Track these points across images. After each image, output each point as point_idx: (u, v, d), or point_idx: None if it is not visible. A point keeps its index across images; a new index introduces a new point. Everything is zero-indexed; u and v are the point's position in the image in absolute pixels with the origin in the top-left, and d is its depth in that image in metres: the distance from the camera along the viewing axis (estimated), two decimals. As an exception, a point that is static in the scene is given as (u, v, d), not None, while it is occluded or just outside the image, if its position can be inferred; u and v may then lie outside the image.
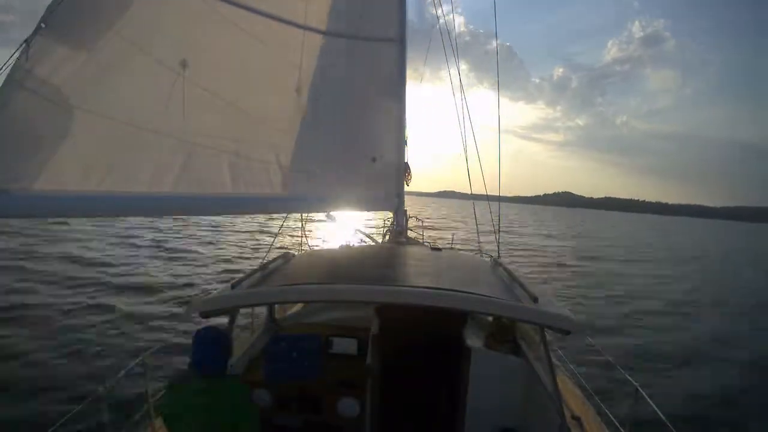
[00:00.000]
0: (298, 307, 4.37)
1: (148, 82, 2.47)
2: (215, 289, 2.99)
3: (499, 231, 5.61)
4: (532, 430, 2.85)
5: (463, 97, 5.63)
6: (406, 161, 4.95)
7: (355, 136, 4.21)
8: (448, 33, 5.49)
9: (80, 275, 12.03)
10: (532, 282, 2.84)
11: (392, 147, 4.70)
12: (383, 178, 4.60)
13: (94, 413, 2.60)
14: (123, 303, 9.75)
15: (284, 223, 5.80)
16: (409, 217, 6.06)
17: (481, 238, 6.58)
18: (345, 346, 3.48)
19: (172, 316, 8.99)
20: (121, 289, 10.93)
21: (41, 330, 7.85)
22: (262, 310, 4.08)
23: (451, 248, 7.81)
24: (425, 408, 3.60)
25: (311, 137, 3.61)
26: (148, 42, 2.41)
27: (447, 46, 5.48)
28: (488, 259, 4.18)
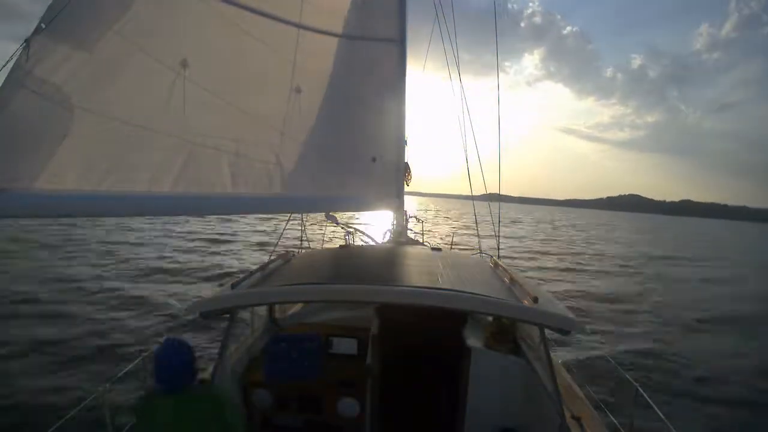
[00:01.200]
0: (298, 307, 4.36)
1: (148, 82, 2.47)
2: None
3: (499, 232, 5.61)
4: (532, 430, 2.84)
5: (463, 96, 5.64)
6: (406, 161, 4.96)
7: (354, 136, 4.21)
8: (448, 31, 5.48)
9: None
10: (531, 282, 2.83)
11: (392, 147, 4.70)
12: (383, 178, 4.59)
13: (94, 413, 2.60)
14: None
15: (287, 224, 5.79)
16: (409, 217, 6.06)
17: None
18: (345, 346, 3.48)
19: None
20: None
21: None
22: (262, 310, 4.08)
23: (451, 248, 7.82)
24: (425, 408, 3.60)
25: (311, 137, 3.61)
26: (148, 42, 2.41)
27: (448, 46, 5.48)
28: (488, 259, 4.18)
